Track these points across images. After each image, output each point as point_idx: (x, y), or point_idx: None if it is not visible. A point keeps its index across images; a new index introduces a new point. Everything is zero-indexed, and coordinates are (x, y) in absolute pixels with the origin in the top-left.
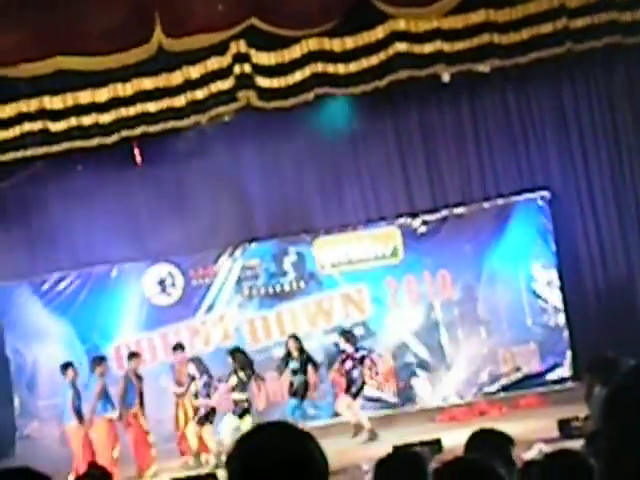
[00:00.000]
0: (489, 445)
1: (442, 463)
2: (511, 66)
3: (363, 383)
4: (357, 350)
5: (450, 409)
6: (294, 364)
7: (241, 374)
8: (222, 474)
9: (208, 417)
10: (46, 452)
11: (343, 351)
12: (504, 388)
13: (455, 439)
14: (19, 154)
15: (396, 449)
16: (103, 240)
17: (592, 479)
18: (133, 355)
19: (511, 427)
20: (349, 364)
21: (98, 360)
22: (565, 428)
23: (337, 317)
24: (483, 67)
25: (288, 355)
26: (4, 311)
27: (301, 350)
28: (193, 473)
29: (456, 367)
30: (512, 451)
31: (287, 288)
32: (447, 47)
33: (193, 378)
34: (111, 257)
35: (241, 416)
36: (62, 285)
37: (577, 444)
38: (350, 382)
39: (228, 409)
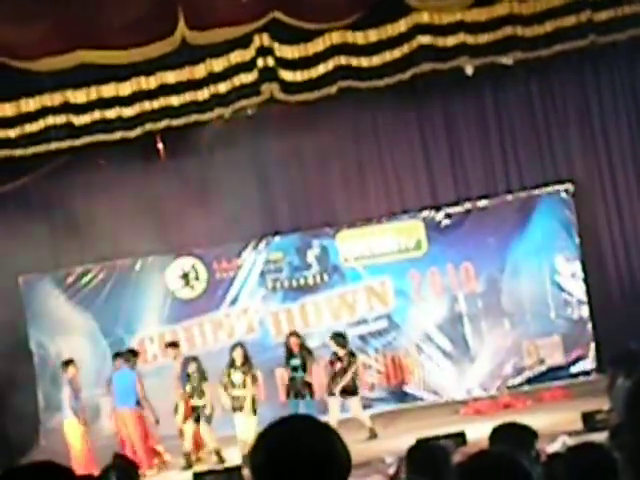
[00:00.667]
0: (513, 438)
1: (466, 456)
2: (534, 59)
3: (355, 384)
4: (350, 354)
5: (474, 402)
6: (295, 361)
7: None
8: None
9: (203, 416)
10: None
11: (335, 353)
12: (528, 381)
13: (479, 432)
14: (43, 148)
15: (419, 442)
16: (127, 233)
17: (616, 472)
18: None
19: (535, 420)
20: (338, 366)
21: (66, 363)
22: (589, 421)
23: (361, 310)
24: (506, 60)
25: (289, 352)
26: (28, 304)
27: (302, 347)
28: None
29: (480, 360)
30: (535, 444)
31: (311, 281)
32: (470, 40)
33: (189, 376)
34: (135, 250)
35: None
36: (86, 279)
37: (601, 437)
38: (337, 383)
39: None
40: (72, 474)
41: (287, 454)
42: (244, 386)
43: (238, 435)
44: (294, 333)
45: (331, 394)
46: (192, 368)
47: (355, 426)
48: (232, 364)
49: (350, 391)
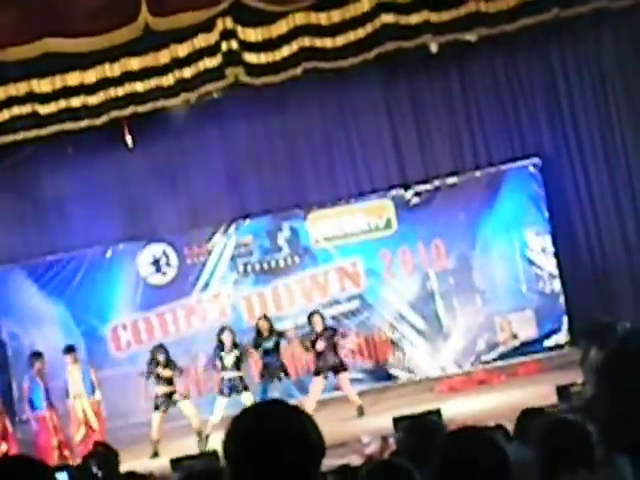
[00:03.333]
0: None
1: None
2: (499, 34)
3: (341, 361)
4: (327, 329)
5: (449, 379)
6: (266, 344)
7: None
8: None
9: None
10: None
11: (316, 332)
12: (501, 356)
13: (455, 409)
14: (9, 138)
15: (396, 420)
16: (97, 221)
17: (592, 445)
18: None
19: (510, 395)
20: (322, 344)
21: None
22: (564, 394)
23: (333, 291)
24: (470, 36)
25: (259, 336)
26: (0, 295)
27: (272, 330)
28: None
29: (453, 336)
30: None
31: (282, 264)
32: (434, 17)
33: (157, 364)
34: (105, 238)
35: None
36: (57, 268)
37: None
38: (325, 361)
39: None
40: (46, 466)
41: (258, 440)
42: (237, 368)
43: (214, 417)
44: (263, 316)
45: (317, 373)
46: (161, 357)
47: (340, 404)
48: (221, 348)
49: (338, 367)
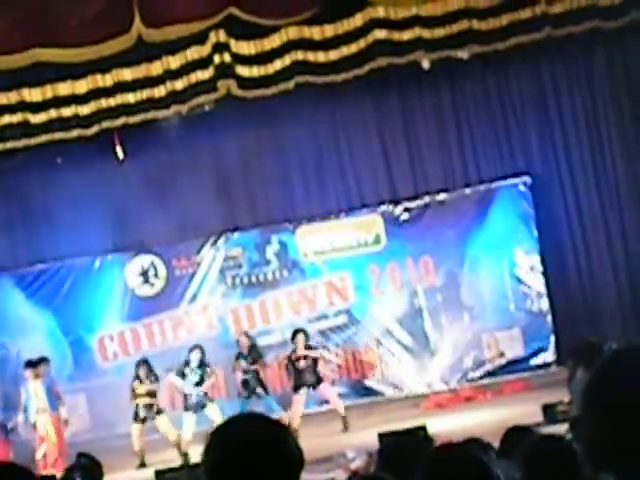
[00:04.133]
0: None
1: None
2: (491, 52)
3: (319, 375)
4: (310, 348)
5: (435, 395)
6: (244, 362)
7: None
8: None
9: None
10: (30, 446)
11: (294, 351)
12: (488, 373)
13: (440, 425)
14: None
15: (381, 436)
16: (85, 231)
17: (577, 464)
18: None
19: (496, 413)
20: (303, 363)
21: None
22: (549, 413)
23: (320, 305)
24: (462, 54)
25: (240, 352)
26: None
27: (251, 347)
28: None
29: (440, 353)
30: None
31: (270, 277)
32: (426, 34)
33: (138, 377)
34: (93, 248)
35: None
36: (45, 277)
37: (562, 428)
38: (302, 379)
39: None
40: (32, 474)
41: (235, 450)
42: (200, 385)
43: (185, 434)
44: (244, 333)
45: (296, 389)
46: (142, 371)
47: (324, 419)
48: (187, 364)
49: (316, 381)
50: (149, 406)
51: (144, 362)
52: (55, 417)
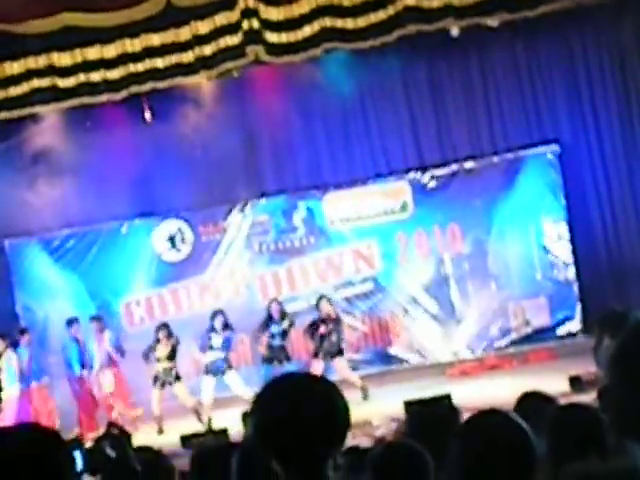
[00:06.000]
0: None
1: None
2: (520, 20)
3: (339, 346)
4: (333, 317)
5: (460, 363)
6: (275, 328)
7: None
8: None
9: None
10: (57, 407)
11: (320, 317)
12: (514, 342)
13: (466, 393)
14: (27, 110)
15: (408, 404)
16: (113, 196)
17: (604, 433)
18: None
19: (522, 381)
20: (323, 328)
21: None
22: (576, 382)
23: (347, 272)
24: (492, 21)
25: (270, 318)
26: (14, 268)
27: (283, 314)
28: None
29: (466, 321)
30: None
31: (297, 244)
32: (456, 1)
33: (159, 341)
34: (121, 214)
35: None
36: (72, 242)
37: (588, 398)
38: (322, 346)
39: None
40: (57, 436)
41: (288, 412)
42: (225, 349)
43: (204, 398)
44: (275, 300)
45: (315, 355)
46: (162, 334)
47: (345, 388)
48: (212, 329)
49: (335, 352)
50: (168, 370)
51: (164, 326)
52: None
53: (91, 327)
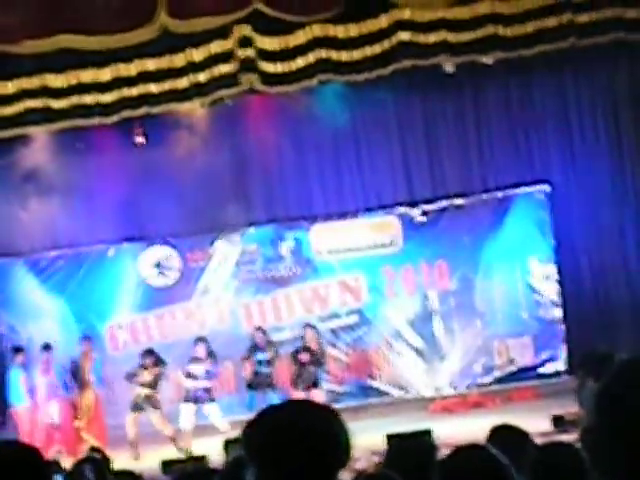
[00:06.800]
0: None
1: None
2: (515, 59)
3: (316, 377)
4: (318, 345)
5: (443, 399)
6: (261, 355)
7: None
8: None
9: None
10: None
11: (304, 346)
12: (498, 380)
13: (447, 430)
14: (19, 130)
15: (389, 437)
16: (101, 219)
17: (585, 472)
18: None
19: (504, 420)
20: (305, 357)
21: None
22: (559, 422)
23: (333, 304)
24: (487, 59)
25: (255, 346)
26: (0, 288)
27: (269, 342)
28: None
29: (450, 358)
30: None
31: (284, 273)
32: (451, 37)
33: (144, 367)
34: (109, 236)
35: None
36: (59, 263)
37: (570, 438)
38: (301, 375)
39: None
40: (39, 454)
41: (284, 437)
42: (206, 378)
43: (184, 426)
44: (260, 328)
45: (294, 385)
46: (149, 361)
47: None
48: (194, 357)
49: (312, 383)
50: (148, 397)
51: (151, 352)
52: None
53: (80, 348)
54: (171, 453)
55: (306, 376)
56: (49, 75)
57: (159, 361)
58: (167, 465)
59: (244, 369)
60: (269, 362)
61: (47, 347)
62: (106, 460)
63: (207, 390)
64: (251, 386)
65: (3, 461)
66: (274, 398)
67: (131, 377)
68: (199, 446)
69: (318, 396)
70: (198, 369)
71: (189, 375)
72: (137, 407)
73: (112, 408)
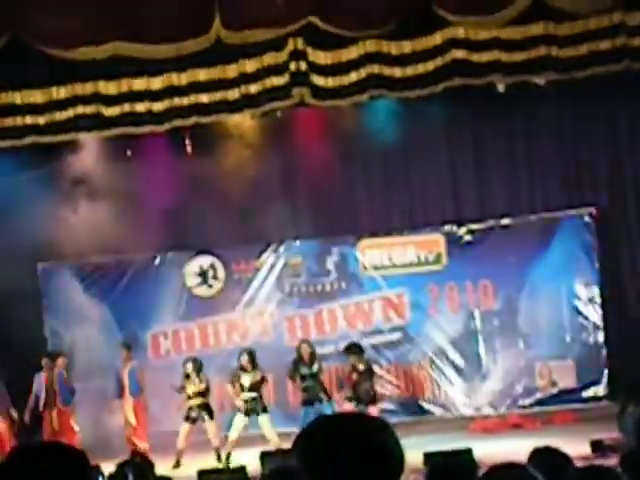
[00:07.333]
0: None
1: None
2: (567, 80)
3: (374, 394)
4: (365, 363)
5: (483, 419)
6: (305, 369)
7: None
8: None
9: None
10: (82, 431)
11: (352, 365)
12: (538, 402)
13: (486, 450)
14: (71, 136)
15: (427, 456)
16: (147, 227)
17: None
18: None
19: (543, 442)
20: (355, 376)
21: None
22: (597, 447)
23: (376, 320)
24: (539, 79)
25: (300, 360)
26: (46, 292)
27: (313, 354)
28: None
29: (492, 378)
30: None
31: (328, 288)
32: (504, 57)
33: (188, 377)
34: (154, 245)
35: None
36: (104, 269)
37: (609, 463)
38: (354, 392)
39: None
40: (85, 457)
41: (344, 448)
42: (253, 389)
43: (231, 435)
44: (306, 341)
45: (349, 400)
46: (189, 368)
47: None
48: (241, 368)
49: (371, 400)
50: (200, 407)
51: (193, 360)
52: (136, 402)
53: (119, 355)
54: (209, 462)
55: (361, 394)
56: (102, 82)
57: (201, 368)
58: (203, 475)
59: (292, 383)
60: (314, 376)
61: (126, 345)
62: (149, 464)
63: (257, 399)
64: (305, 401)
65: (50, 463)
66: (330, 409)
67: (181, 389)
68: (239, 456)
69: (374, 413)
70: (245, 380)
71: (237, 386)
72: (191, 417)
73: (152, 415)
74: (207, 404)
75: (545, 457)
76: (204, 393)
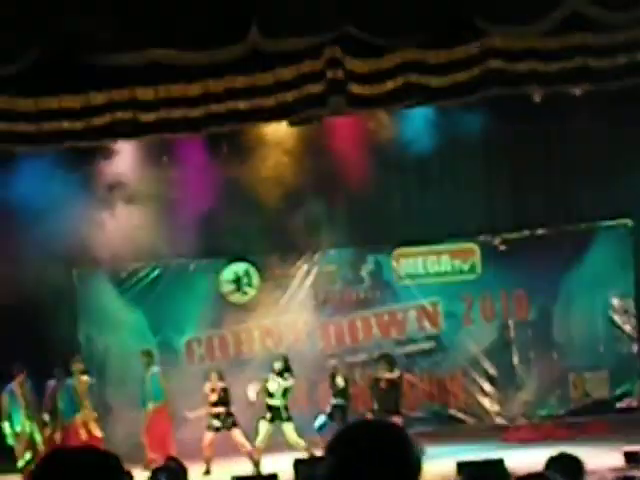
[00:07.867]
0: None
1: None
2: (603, 91)
3: (398, 405)
4: (394, 374)
5: (516, 429)
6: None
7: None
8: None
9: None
10: (114, 437)
11: (382, 375)
12: (572, 412)
13: (519, 459)
14: (107, 141)
15: (460, 465)
16: (183, 233)
17: None
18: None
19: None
20: (383, 384)
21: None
22: (631, 457)
23: (410, 329)
24: (575, 90)
25: (335, 373)
26: (80, 297)
27: (336, 368)
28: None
29: (525, 388)
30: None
31: (362, 296)
32: (541, 67)
33: (213, 389)
34: (189, 251)
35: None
36: (139, 275)
37: None
38: (380, 402)
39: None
40: (119, 462)
41: (361, 456)
42: (282, 396)
43: (258, 442)
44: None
45: (372, 413)
46: (214, 379)
47: None
48: (277, 373)
49: (393, 411)
50: (222, 415)
51: (215, 370)
52: (157, 408)
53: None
54: (241, 469)
55: (387, 405)
56: (139, 88)
57: (222, 376)
58: None
59: (324, 389)
60: (344, 394)
61: (147, 353)
62: (183, 470)
63: (285, 408)
64: (331, 415)
65: (85, 467)
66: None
67: (204, 398)
68: (271, 463)
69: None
70: (273, 386)
71: (267, 392)
72: (213, 426)
73: (183, 421)
74: (230, 413)
75: (562, 463)
76: (225, 402)
